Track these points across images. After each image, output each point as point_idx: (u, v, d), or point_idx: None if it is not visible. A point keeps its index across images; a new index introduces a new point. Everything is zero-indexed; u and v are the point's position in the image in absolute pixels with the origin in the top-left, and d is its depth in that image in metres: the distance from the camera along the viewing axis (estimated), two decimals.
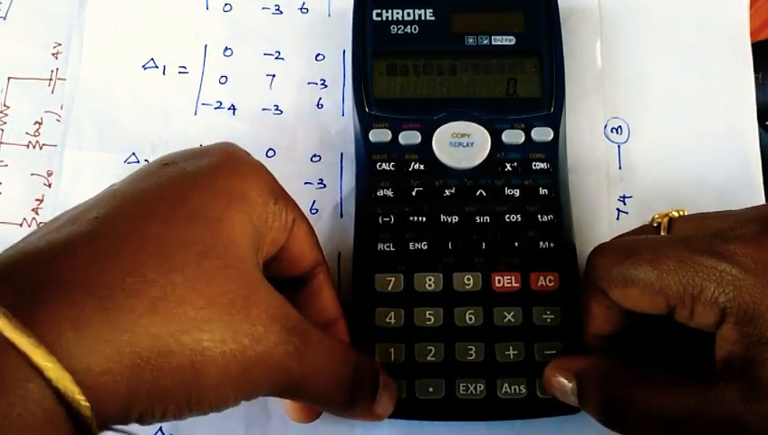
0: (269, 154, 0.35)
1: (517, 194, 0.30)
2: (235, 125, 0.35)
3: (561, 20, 0.33)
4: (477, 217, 0.30)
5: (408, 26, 0.33)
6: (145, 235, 0.21)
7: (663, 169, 0.34)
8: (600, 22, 0.37)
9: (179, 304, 0.20)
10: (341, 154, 0.35)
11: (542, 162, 0.31)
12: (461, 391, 0.28)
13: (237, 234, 0.23)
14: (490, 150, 0.31)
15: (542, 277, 0.29)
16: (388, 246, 0.30)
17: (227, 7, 0.37)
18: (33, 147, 0.35)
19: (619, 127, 0.35)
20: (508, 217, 0.30)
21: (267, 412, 0.31)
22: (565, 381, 0.26)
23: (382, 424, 0.30)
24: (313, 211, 0.34)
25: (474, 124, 0.31)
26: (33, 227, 0.34)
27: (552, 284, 0.29)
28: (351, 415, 0.26)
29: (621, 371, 0.26)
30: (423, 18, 0.33)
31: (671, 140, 0.35)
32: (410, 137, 0.31)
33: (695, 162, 0.34)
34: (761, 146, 0.35)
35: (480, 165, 0.31)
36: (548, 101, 0.32)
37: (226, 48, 0.36)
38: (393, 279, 0.29)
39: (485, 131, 0.31)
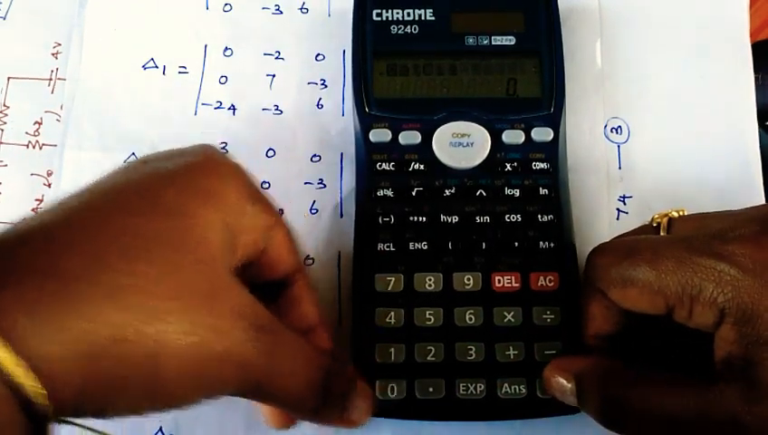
0: (269, 154, 0.35)
1: (517, 194, 0.30)
2: (235, 125, 0.35)
3: (561, 20, 0.33)
4: (477, 217, 0.30)
5: (408, 26, 0.33)
6: (116, 226, 0.21)
7: (663, 169, 0.34)
8: (600, 22, 0.37)
9: (142, 295, 0.20)
10: (341, 154, 0.35)
11: (542, 162, 0.31)
12: (461, 391, 0.28)
13: (210, 231, 0.22)
14: (490, 150, 0.31)
15: (542, 277, 0.29)
16: (388, 246, 0.30)
17: (227, 7, 0.37)
18: (33, 147, 0.35)
19: (619, 127, 0.35)
20: (508, 217, 0.30)
21: None
22: (564, 382, 0.26)
23: (382, 425, 0.30)
24: (313, 211, 0.34)
25: (474, 124, 0.31)
26: None
27: (552, 284, 0.29)
28: (322, 421, 0.26)
29: (620, 371, 0.26)
30: (423, 18, 0.33)
31: (671, 140, 0.35)
32: (410, 137, 0.31)
33: (695, 162, 0.34)
34: (761, 146, 0.35)
35: (480, 165, 0.31)
36: (548, 101, 0.32)
37: (226, 48, 0.36)
38: (393, 279, 0.29)
39: (485, 131, 0.31)
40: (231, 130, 0.35)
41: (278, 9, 0.37)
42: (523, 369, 0.28)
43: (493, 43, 0.33)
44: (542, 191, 0.31)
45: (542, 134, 0.31)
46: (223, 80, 0.36)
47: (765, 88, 0.36)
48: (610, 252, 0.26)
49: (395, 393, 0.28)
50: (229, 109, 0.36)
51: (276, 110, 0.35)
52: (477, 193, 0.31)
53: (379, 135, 0.31)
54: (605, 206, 0.34)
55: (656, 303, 0.24)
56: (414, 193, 0.30)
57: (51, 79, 0.36)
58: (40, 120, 0.36)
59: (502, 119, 0.31)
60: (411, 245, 0.30)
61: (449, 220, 0.30)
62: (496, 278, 0.29)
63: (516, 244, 0.30)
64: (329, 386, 0.25)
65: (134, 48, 0.36)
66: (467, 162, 0.31)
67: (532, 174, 0.31)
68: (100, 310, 0.19)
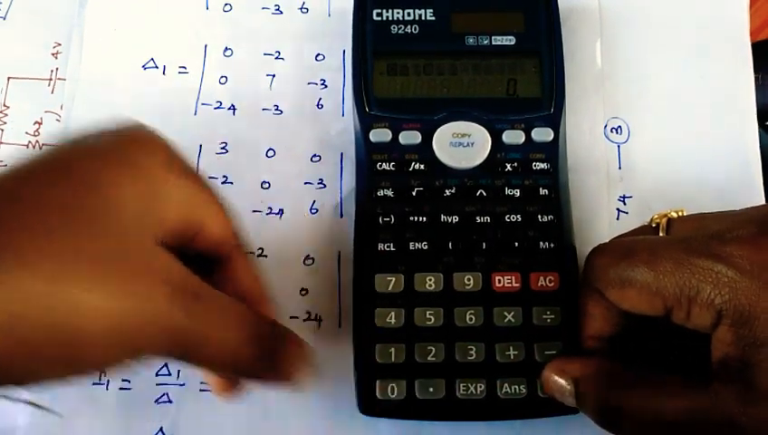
0: (269, 154, 0.35)
1: (517, 194, 0.30)
2: (235, 125, 0.35)
3: (561, 20, 0.33)
4: (477, 217, 0.30)
5: (409, 26, 0.33)
6: (35, 196, 0.21)
7: (663, 169, 0.34)
8: (600, 22, 0.37)
9: (58, 263, 0.20)
10: (341, 154, 0.35)
11: (543, 162, 0.31)
12: (461, 391, 0.28)
13: (130, 202, 0.23)
14: (490, 150, 0.31)
15: (542, 277, 0.29)
16: (389, 246, 0.30)
17: (227, 7, 0.37)
18: (33, 147, 0.35)
19: (619, 127, 0.35)
20: (508, 218, 0.30)
21: (267, 413, 0.31)
22: (563, 383, 0.26)
23: (382, 425, 0.30)
24: (313, 211, 0.34)
25: (474, 124, 0.31)
26: None
27: (553, 284, 0.29)
28: (260, 381, 0.26)
29: (618, 373, 0.26)
30: (423, 18, 0.33)
31: (671, 140, 0.35)
32: (411, 137, 0.31)
33: (695, 162, 0.34)
34: (761, 146, 0.35)
35: (480, 165, 0.31)
36: (548, 101, 0.32)
37: (226, 48, 0.36)
38: (393, 279, 0.29)
39: (486, 131, 0.31)
40: (231, 130, 0.35)
41: (278, 9, 0.37)
42: (524, 369, 0.28)
43: (493, 43, 0.33)
44: (543, 191, 0.31)
45: (542, 134, 0.31)
46: (223, 80, 0.36)
47: (765, 88, 0.36)
48: (608, 253, 0.26)
49: (395, 393, 0.28)
50: (229, 109, 0.36)
51: (276, 110, 0.35)
52: (477, 193, 0.31)
53: (380, 135, 0.31)
54: (605, 206, 0.34)
55: (654, 304, 0.24)
56: (414, 193, 0.30)
57: (51, 79, 0.36)
58: (40, 120, 0.36)
59: (502, 119, 0.31)
60: (411, 245, 0.30)
61: (449, 220, 0.30)
62: (496, 278, 0.29)
63: (516, 244, 0.30)
64: (264, 346, 0.25)
65: (134, 48, 0.36)
66: (467, 162, 0.31)
67: (533, 174, 0.31)
68: (15, 279, 0.19)
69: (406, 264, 0.29)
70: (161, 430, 0.31)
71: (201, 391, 0.31)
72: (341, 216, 0.34)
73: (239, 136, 0.35)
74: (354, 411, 0.29)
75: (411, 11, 0.33)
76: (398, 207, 0.30)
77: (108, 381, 0.31)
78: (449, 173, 0.31)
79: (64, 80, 0.36)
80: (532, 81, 0.32)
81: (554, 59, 0.32)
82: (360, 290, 0.30)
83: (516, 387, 0.28)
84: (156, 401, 0.31)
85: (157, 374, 0.31)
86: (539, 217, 0.30)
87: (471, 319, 0.29)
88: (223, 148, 0.35)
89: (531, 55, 0.33)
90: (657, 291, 0.24)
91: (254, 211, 0.34)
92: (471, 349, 0.29)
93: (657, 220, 0.28)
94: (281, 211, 0.34)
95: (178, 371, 0.31)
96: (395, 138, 0.31)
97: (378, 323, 0.29)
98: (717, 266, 0.23)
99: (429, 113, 0.31)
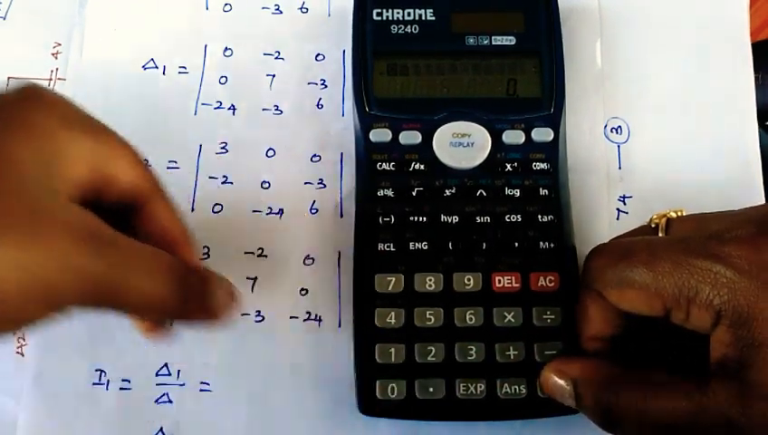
0: (269, 154, 0.35)
1: (517, 194, 0.30)
2: (235, 125, 0.35)
3: (561, 20, 0.33)
4: (477, 218, 0.30)
5: (409, 26, 0.33)
6: None
7: (663, 169, 0.34)
8: (600, 22, 0.37)
9: None
10: (341, 154, 0.35)
11: (543, 162, 0.31)
12: (461, 391, 0.28)
13: (30, 163, 0.23)
14: (490, 151, 0.31)
15: (542, 278, 0.29)
16: (389, 246, 0.30)
17: (227, 7, 0.37)
18: None
19: (619, 127, 0.35)
20: (508, 218, 0.30)
21: (267, 413, 0.31)
22: (562, 384, 0.26)
23: (382, 425, 0.30)
24: (313, 211, 0.34)
25: (474, 124, 0.31)
26: None
27: (553, 284, 0.29)
28: (186, 320, 0.27)
29: (617, 373, 0.26)
30: (423, 18, 0.33)
31: (671, 140, 0.35)
32: (411, 137, 0.31)
33: (695, 162, 0.34)
34: (761, 146, 0.35)
35: (480, 165, 0.31)
36: (548, 101, 0.32)
37: (226, 48, 0.36)
38: (393, 279, 0.29)
39: (486, 131, 0.31)
40: (231, 130, 0.35)
41: (278, 9, 0.37)
42: (524, 369, 0.28)
43: (493, 43, 0.33)
44: (543, 191, 0.31)
45: (542, 134, 0.31)
46: (223, 80, 0.36)
47: (765, 88, 0.36)
48: (607, 253, 0.26)
49: (395, 393, 0.28)
50: (229, 109, 0.36)
51: (276, 110, 0.35)
52: (477, 193, 0.31)
53: (380, 135, 0.31)
54: (605, 206, 0.34)
55: (653, 304, 0.24)
56: (414, 193, 0.30)
57: (51, 79, 0.36)
58: None
59: (502, 119, 0.31)
60: (411, 245, 0.30)
61: (449, 220, 0.30)
62: (496, 278, 0.29)
63: (516, 244, 0.30)
64: (187, 288, 0.25)
65: (134, 48, 0.36)
66: (468, 162, 0.31)
67: (533, 174, 0.31)
68: None
69: (406, 264, 0.29)
70: (161, 430, 0.31)
71: (201, 391, 0.31)
72: (341, 216, 0.34)
73: (239, 136, 0.35)
74: (354, 411, 0.29)
75: (411, 11, 0.33)
76: (398, 207, 0.30)
77: (108, 381, 0.31)
78: (449, 173, 0.31)
79: (64, 80, 0.36)
80: (532, 81, 0.32)
81: (554, 59, 0.32)
82: (360, 290, 0.30)
83: (516, 387, 0.28)
84: (156, 401, 0.31)
85: (157, 374, 0.31)
86: (539, 217, 0.30)
87: (471, 319, 0.29)
88: (223, 148, 0.35)
89: (531, 55, 0.33)
90: (656, 292, 0.24)
91: (254, 211, 0.34)
92: (471, 349, 0.29)
93: (657, 220, 0.28)
94: (281, 211, 0.34)
95: (178, 371, 0.31)
96: (395, 138, 0.31)
97: (378, 324, 0.29)
98: (716, 267, 0.23)
99: (429, 113, 0.31)
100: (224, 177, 0.34)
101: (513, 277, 0.29)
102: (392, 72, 0.32)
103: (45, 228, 0.22)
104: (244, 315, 0.32)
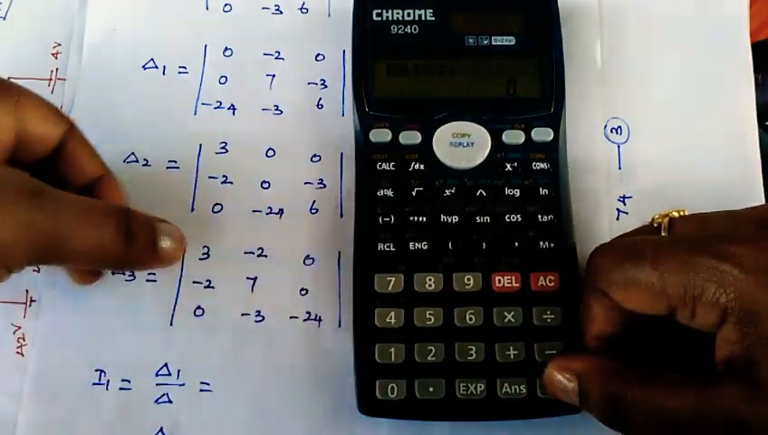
0: (269, 154, 0.35)
1: (517, 194, 0.30)
2: (235, 125, 0.35)
3: (561, 20, 0.33)
4: (477, 217, 0.30)
5: (408, 26, 0.33)
6: None
7: (663, 169, 0.34)
8: (600, 22, 0.37)
9: None
10: (341, 154, 0.35)
11: (543, 162, 0.31)
12: (461, 391, 0.28)
13: None
14: (490, 150, 0.31)
15: (542, 277, 0.29)
16: (389, 246, 0.30)
17: (227, 7, 0.37)
18: None
19: (619, 127, 0.35)
20: (508, 217, 0.30)
21: (267, 413, 0.31)
22: (566, 381, 0.26)
23: (382, 425, 0.30)
24: (313, 211, 0.34)
25: (474, 124, 0.31)
26: None
27: (553, 284, 0.29)
28: (135, 266, 0.28)
29: (623, 370, 0.26)
30: (423, 18, 0.33)
31: (671, 140, 0.35)
32: (411, 137, 0.31)
33: (695, 162, 0.34)
34: (761, 146, 0.35)
35: (480, 165, 0.31)
36: (548, 101, 0.32)
37: (226, 48, 0.36)
38: (393, 279, 0.29)
39: (486, 132, 0.31)
40: (231, 130, 0.35)
41: (278, 9, 0.37)
42: (524, 369, 0.28)
43: (493, 43, 0.33)
44: (543, 191, 0.31)
45: (542, 134, 0.31)
46: (223, 80, 0.36)
47: (765, 88, 0.36)
48: (612, 252, 0.26)
49: (395, 393, 0.28)
50: (229, 109, 0.36)
51: (276, 110, 0.35)
52: (477, 193, 0.31)
53: (380, 135, 0.31)
54: (605, 206, 0.34)
55: (658, 304, 0.24)
56: (414, 193, 0.30)
57: (51, 79, 0.36)
58: None
59: (502, 119, 0.31)
60: (411, 245, 0.30)
61: (449, 220, 0.30)
62: (496, 278, 0.29)
63: (516, 244, 0.30)
64: (129, 229, 0.26)
65: (134, 48, 0.36)
66: (467, 162, 0.31)
67: (533, 174, 0.31)
68: None
69: (406, 264, 0.29)
70: (161, 430, 0.31)
71: (201, 391, 0.31)
72: (341, 216, 0.34)
73: (239, 136, 0.35)
74: (354, 411, 0.29)
75: (411, 11, 0.33)
76: (398, 207, 0.30)
77: (108, 381, 0.31)
78: (449, 173, 0.31)
79: (64, 80, 0.36)
80: (531, 81, 0.32)
81: (554, 59, 0.32)
82: (360, 290, 0.30)
83: (516, 387, 0.28)
84: (156, 401, 0.31)
85: (157, 374, 0.31)
86: (539, 216, 0.30)
87: (471, 319, 0.29)
88: (223, 148, 0.35)
89: (531, 56, 0.33)
90: (662, 291, 0.24)
91: (254, 211, 0.34)
92: (471, 349, 0.29)
93: (659, 220, 0.28)
94: (281, 211, 0.34)
95: (178, 370, 0.31)
96: (395, 138, 0.31)
97: (378, 324, 0.29)
98: (722, 265, 0.23)
99: (429, 113, 0.31)
100: (224, 177, 0.34)
101: (513, 277, 0.29)
102: (392, 72, 0.32)
103: None
104: (245, 315, 0.32)
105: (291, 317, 0.32)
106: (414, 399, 0.28)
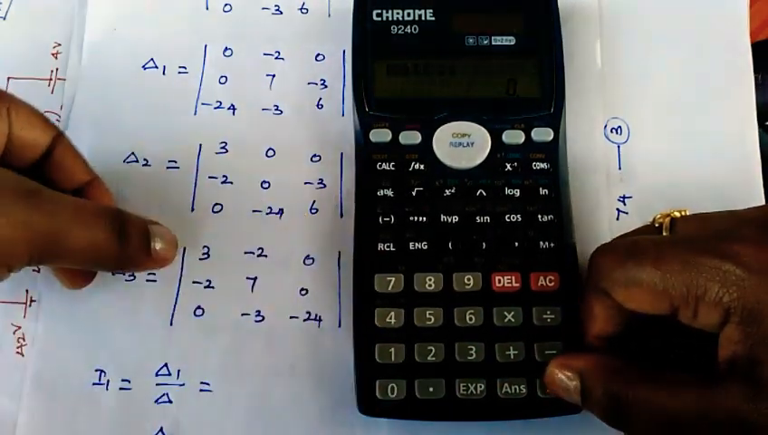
0: (269, 154, 0.35)
1: (517, 194, 0.30)
2: (235, 125, 0.35)
3: (561, 20, 0.33)
4: (477, 217, 0.30)
5: (408, 26, 0.33)
6: None
7: (663, 169, 0.34)
8: (600, 22, 0.37)
9: None
10: (341, 154, 0.35)
11: (543, 162, 0.31)
12: (461, 391, 0.28)
13: None
14: (490, 150, 0.31)
15: (542, 277, 0.29)
16: (388, 246, 0.30)
17: (227, 7, 0.37)
18: None
19: (619, 127, 0.35)
20: (508, 217, 0.30)
21: (267, 413, 0.31)
22: (568, 379, 0.26)
23: (382, 425, 0.30)
24: (313, 211, 0.34)
25: (474, 124, 0.31)
26: None
27: (553, 284, 0.29)
28: (130, 267, 0.29)
29: (625, 369, 0.25)
30: (423, 18, 0.33)
31: (671, 140, 0.35)
32: (411, 137, 0.31)
33: (695, 162, 0.34)
34: (761, 146, 0.35)
35: (480, 165, 0.31)
36: (548, 101, 0.32)
37: (226, 48, 0.36)
38: (393, 279, 0.29)
39: (485, 131, 0.31)
40: (231, 130, 0.35)
41: (278, 9, 0.37)
42: (524, 369, 0.28)
43: (493, 43, 0.33)
44: (543, 191, 0.31)
45: (542, 134, 0.31)
46: (223, 80, 0.36)
47: (765, 88, 0.36)
48: (614, 252, 0.26)
49: (395, 393, 0.28)
50: (229, 109, 0.36)
51: (276, 110, 0.35)
52: (477, 193, 0.31)
53: (380, 135, 0.31)
54: (605, 206, 0.34)
55: (660, 304, 0.24)
56: (414, 193, 0.30)
57: (51, 79, 0.36)
58: None
59: (502, 119, 0.31)
60: (411, 245, 0.30)
61: (449, 220, 0.30)
62: (496, 278, 0.29)
63: (516, 244, 0.30)
64: (123, 229, 0.27)
65: (134, 48, 0.36)
66: (467, 162, 0.31)
67: (533, 174, 0.31)
68: None
69: (406, 264, 0.29)
70: (161, 430, 0.31)
71: (201, 391, 0.31)
72: (341, 216, 0.34)
73: (239, 136, 0.35)
74: (354, 411, 0.29)
75: (411, 11, 0.33)
76: (398, 207, 0.30)
77: (108, 381, 0.31)
78: (449, 173, 0.31)
79: (64, 80, 0.36)
80: (531, 81, 0.32)
81: (554, 59, 0.32)
82: (360, 290, 0.30)
83: (516, 387, 0.28)
84: (156, 401, 0.31)
85: (157, 374, 0.31)
86: (539, 216, 0.30)
87: (471, 319, 0.29)
88: (223, 148, 0.35)
89: (531, 55, 0.33)
90: (664, 290, 0.24)
91: (254, 211, 0.34)
92: (471, 349, 0.29)
93: (660, 220, 0.28)
94: (281, 211, 0.34)
95: (178, 370, 0.31)
96: (395, 138, 0.31)
97: (378, 324, 0.29)
98: (725, 265, 0.23)
99: (429, 113, 0.31)
100: (224, 177, 0.34)
101: (513, 277, 0.29)
102: (392, 72, 0.32)
103: None
104: (245, 315, 0.32)
105: (291, 317, 0.32)
106: (414, 399, 0.28)
